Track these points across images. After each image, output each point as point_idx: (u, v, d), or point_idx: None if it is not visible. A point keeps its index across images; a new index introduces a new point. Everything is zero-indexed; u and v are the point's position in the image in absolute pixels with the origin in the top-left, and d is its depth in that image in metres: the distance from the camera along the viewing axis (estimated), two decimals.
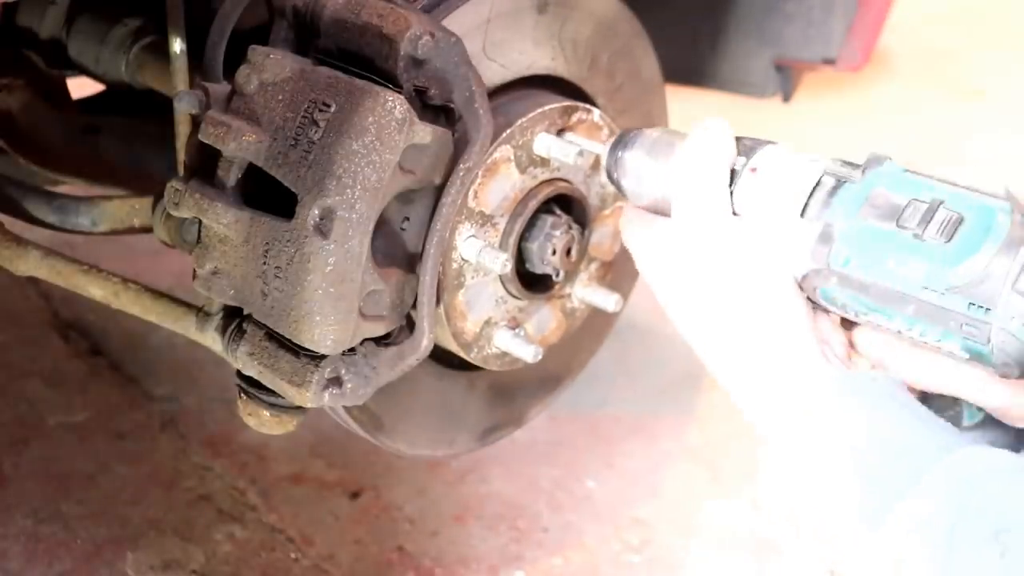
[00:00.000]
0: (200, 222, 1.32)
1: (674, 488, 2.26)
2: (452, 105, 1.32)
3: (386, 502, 2.16)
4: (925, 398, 1.36)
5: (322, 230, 1.23)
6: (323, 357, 1.30)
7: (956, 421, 1.49)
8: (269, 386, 1.37)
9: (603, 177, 1.55)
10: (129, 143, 1.72)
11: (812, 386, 1.10)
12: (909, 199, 1.09)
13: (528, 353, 1.51)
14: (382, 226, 1.30)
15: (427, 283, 1.34)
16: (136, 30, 1.70)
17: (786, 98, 2.14)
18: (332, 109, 1.25)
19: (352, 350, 1.32)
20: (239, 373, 1.41)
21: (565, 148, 1.44)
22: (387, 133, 1.24)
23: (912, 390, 1.16)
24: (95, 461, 2.18)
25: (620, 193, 1.33)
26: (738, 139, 1.21)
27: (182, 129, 1.46)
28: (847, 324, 1.17)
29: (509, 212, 1.46)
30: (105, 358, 2.47)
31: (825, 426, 1.08)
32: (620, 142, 1.31)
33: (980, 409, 1.43)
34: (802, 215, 1.14)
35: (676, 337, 1.22)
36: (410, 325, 1.37)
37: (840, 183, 1.14)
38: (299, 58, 1.31)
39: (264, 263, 1.27)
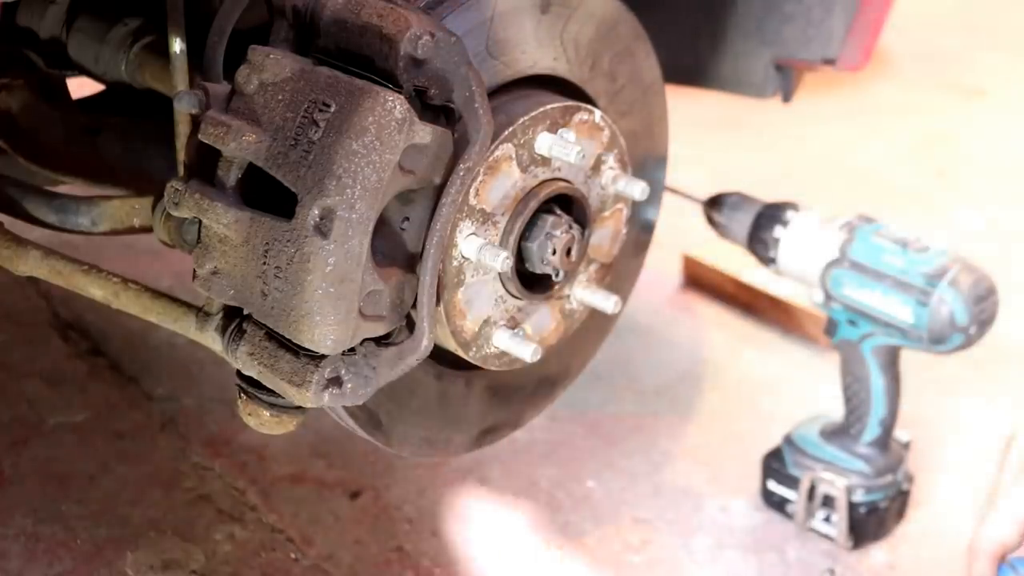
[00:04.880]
0: (200, 222, 1.32)
1: (674, 488, 2.26)
2: (452, 105, 1.32)
3: (386, 502, 2.16)
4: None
5: (322, 230, 1.23)
6: (323, 357, 1.30)
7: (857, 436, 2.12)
8: (269, 386, 1.37)
9: (605, 179, 1.56)
10: (129, 143, 1.71)
11: None
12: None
13: (527, 353, 1.51)
14: (382, 226, 1.30)
15: (427, 283, 1.34)
16: (136, 30, 1.70)
17: (786, 98, 2.14)
18: (332, 109, 1.25)
19: (352, 350, 1.32)
20: (239, 373, 1.40)
21: (566, 147, 1.44)
22: (387, 133, 1.24)
23: None
24: (95, 461, 2.18)
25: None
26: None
27: (182, 129, 1.46)
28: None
29: (510, 211, 1.46)
30: (105, 358, 2.47)
31: None
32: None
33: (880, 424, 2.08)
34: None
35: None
36: (410, 325, 1.37)
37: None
38: (299, 58, 1.31)
39: (264, 263, 1.27)
